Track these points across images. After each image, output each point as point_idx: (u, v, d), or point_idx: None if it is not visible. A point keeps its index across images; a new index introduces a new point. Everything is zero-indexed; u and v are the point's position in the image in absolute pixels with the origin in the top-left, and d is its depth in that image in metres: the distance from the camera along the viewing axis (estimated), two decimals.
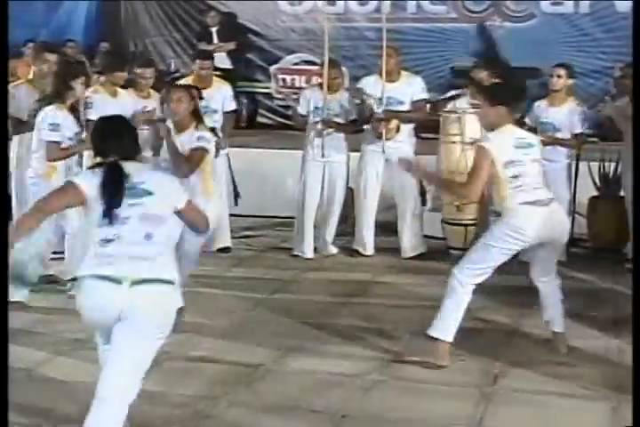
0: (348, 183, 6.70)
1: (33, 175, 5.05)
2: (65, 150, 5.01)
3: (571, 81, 6.23)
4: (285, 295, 5.44)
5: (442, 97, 6.66)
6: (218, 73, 8.84)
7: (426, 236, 6.57)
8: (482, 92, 4.55)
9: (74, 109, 5.09)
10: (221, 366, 4.15)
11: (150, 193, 3.05)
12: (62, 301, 5.26)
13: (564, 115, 6.15)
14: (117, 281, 2.92)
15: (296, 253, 6.35)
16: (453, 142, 6.34)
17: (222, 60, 9.39)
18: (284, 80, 9.70)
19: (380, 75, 6.34)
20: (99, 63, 6.25)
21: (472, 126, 6.25)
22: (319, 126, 6.27)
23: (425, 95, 6.45)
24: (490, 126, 4.26)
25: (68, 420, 3.53)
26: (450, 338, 4.12)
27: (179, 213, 3.12)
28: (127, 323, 2.93)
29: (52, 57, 5.29)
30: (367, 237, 6.50)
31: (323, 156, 6.33)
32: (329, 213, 6.50)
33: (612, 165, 6.72)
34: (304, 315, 4.99)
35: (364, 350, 4.37)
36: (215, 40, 9.54)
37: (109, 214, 2.99)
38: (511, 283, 5.26)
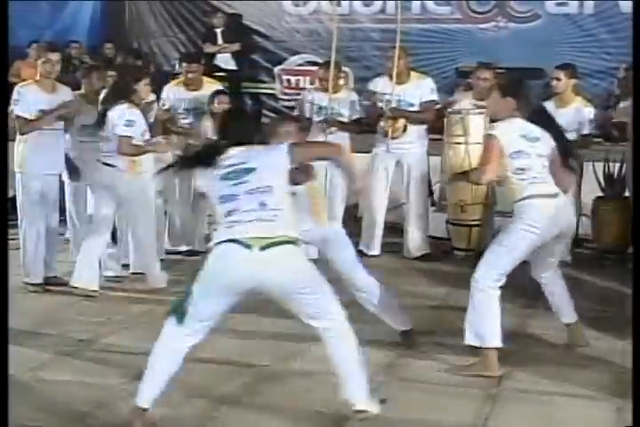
0: None
1: (124, 169, 5.34)
2: (136, 147, 5.29)
3: (573, 81, 6.21)
4: None
5: (447, 100, 6.66)
6: (222, 74, 8.95)
7: (430, 236, 6.57)
8: (495, 83, 4.61)
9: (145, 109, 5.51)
10: (224, 367, 4.15)
11: (252, 170, 3.30)
12: (66, 302, 5.29)
13: (572, 116, 6.13)
14: (247, 245, 3.17)
15: None
16: (457, 143, 6.34)
17: (227, 61, 9.41)
18: (288, 81, 9.70)
19: (390, 76, 6.36)
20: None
21: (476, 127, 6.27)
22: (323, 125, 6.28)
23: (434, 97, 6.46)
24: (496, 116, 4.28)
25: (72, 421, 3.54)
26: (497, 343, 4.03)
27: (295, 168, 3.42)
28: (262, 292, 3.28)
29: (55, 56, 5.30)
30: (375, 238, 6.50)
31: None
32: (333, 213, 6.49)
33: (617, 165, 6.72)
34: None
35: (367, 350, 4.36)
36: (220, 41, 9.54)
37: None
38: (517, 283, 5.26)
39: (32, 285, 5.49)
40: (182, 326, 3.32)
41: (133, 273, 5.80)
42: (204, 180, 3.42)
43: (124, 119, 5.25)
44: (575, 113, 6.13)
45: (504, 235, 4.14)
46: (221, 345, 4.46)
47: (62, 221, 6.01)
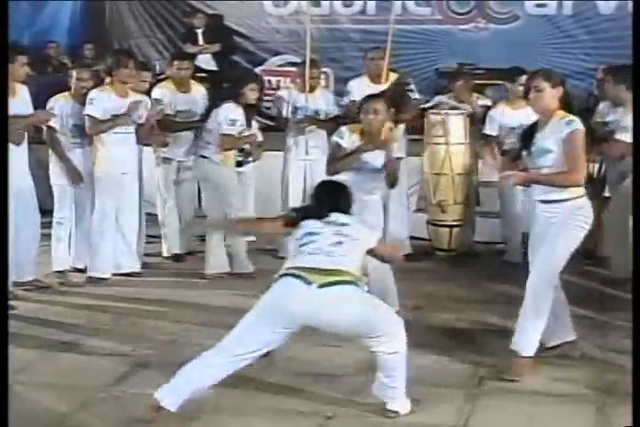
0: None
1: (217, 162, 5.81)
2: (235, 142, 5.81)
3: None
4: None
5: (428, 105, 6.67)
6: (203, 75, 8.92)
7: (411, 237, 6.59)
8: (541, 74, 4.28)
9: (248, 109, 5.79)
10: None
11: (347, 224, 3.67)
12: (48, 304, 5.26)
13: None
14: (307, 281, 3.37)
15: (281, 255, 6.33)
16: (437, 144, 6.36)
17: (207, 62, 9.39)
18: (269, 82, 9.69)
19: (369, 76, 6.38)
20: (106, 61, 6.25)
21: (456, 128, 6.29)
22: (300, 124, 6.29)
23: (415, 96, 6.47)
24: (548, 110, 4.07)
25: (52, 424, 3.52)
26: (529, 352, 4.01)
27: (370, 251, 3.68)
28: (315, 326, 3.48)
29: (22, 58, 5.26)
30: None
31: (306, 153, 6.35)
32: None
33: (596, 165, 6.76)
34: None
35: (350, 350, 4.37)
36: (200, 41, 9.52)
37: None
38: (498, 282, 5.31)
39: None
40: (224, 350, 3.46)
41: None
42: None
43: (229, 118, 5.68)
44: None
45: (563, 232, 4.03)
46: (201, 347, 4.46)
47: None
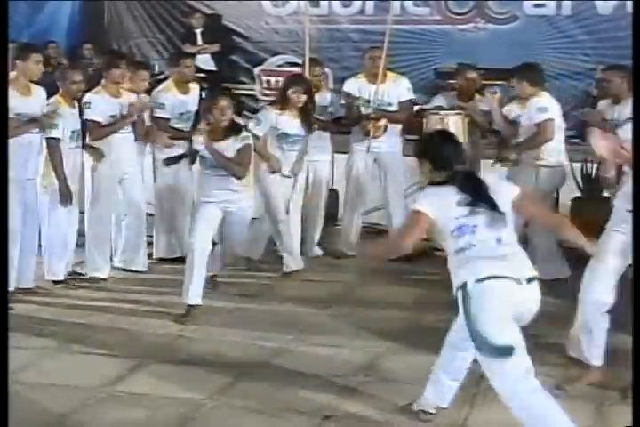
0: (332, 183, 6.73)
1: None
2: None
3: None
4: (269, 295, 5.46)
5: (427, 106, 6.67)
6: (202, 75, 8.91)
7: None
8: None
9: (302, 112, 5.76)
10: (205, 368, 4.14)
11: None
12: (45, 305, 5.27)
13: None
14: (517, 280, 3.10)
15: (281, 254, 6.34)
16: None
17: (206, 62, 9.39)
18: (268, 82, 9.69)
19: (366, 76, 6.39)
20: (97, 63, 6.22)
21: (455, 128, 6.28)
22: None
23: (411, 96, 6.48)
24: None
25: (55, 423, 3.53)
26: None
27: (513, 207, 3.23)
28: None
29: (36, 56, 5.24)
30: (353, 238, 6.51)
31: (306, 153, 6.35)
32: (314, 214, 6.51)
33: (595, 165, 6.76)
34: (287, 314, 5.00)
35: (347, 350, 4.38)
36: (199, 42, 9.52)
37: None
38: None
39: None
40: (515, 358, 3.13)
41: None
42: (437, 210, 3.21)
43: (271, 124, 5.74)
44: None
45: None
46: (206, 347, 4.47)
47: None
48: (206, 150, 4.95)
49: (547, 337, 4.37)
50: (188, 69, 6.23)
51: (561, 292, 4.88)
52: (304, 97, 5.74)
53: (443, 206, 3.19)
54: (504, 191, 3.27)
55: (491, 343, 3.10)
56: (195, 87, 6.37)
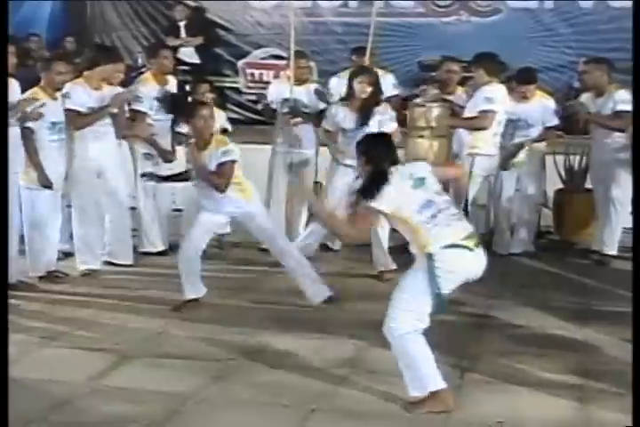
0: (316, 176, 6.72)
1: None
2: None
3: None
4: (255, 289, 5.46)
5: (411, 94, 6.70)
6: (185, 68, 8.89)
7: (393, 230, 6.59)
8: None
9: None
10: (190, 362, 4.14)
11: (423, 178, 3.64)
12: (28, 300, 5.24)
13: (535, 110, 6.20)
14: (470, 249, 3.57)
15: (265, 247, 6.33)
16: (421, 136, 6.36)
17: (190, 55, 9.35)
18: (252, 75, 9.68)
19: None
20: (85, 57, 6.15)
21: (439, 120, 6.30)
22: (287, 116, 6.28)
23: (397, 91, 6.50)
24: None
25: (33, 420, 3.52)
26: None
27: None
28: None
29: (9, 48, 5.18)
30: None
31: (291, 146, 6.34)
32: (298, 206, 6.51)
33: (577, 158, 6.80)
34: (271, 307, 5.01)
35: (333, 343, 4.40)
36: (183, 34, 9.48)
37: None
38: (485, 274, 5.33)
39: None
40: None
41: None
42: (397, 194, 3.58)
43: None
44: (539, 107, 6.22)
45: None
46: (190, 341, 4.47)
47: None
48: (188, 162, 4.98)
49: None
50: (166, 60, 6.20)
51: None
52: (369, 89, 5.56)
53: (400, 198, 3.59)
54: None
55: (445, 303, 3.56)
56: (173, 81, 6.34)
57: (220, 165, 4.79)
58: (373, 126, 5.52)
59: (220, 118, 6.67)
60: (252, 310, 5.02)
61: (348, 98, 5.66)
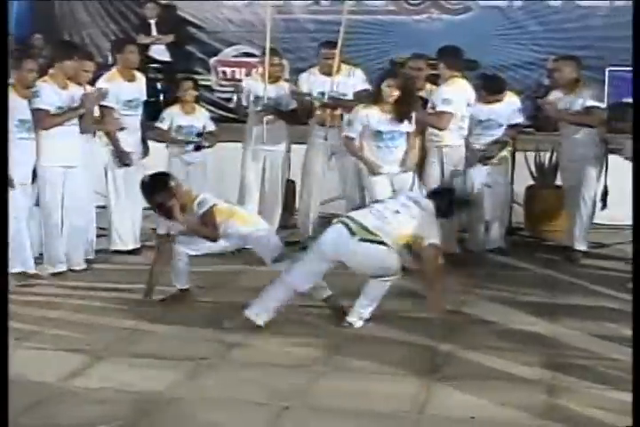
0: (289, 174, 6.73)
1: None
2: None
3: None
4: (229, 287, 5.46)
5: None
6: (156, 65, 8.86)
7: None
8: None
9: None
10: (162, 361, 4.13)
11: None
12: None
13: (504, 110, 6.24)
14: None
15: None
16: None
17: (161, 53, 9.31)
18: (223, 72, 9.65)
19: (320, 69, 6.39)
20: (48, 52, 6.08)
21: None
22: (259, 114, 6.28)
23: (367, 86, 6.49)
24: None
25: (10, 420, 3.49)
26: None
27: None
28: None
29: None
30: (310, 229, 6.52)
31: (263, 143, 6.34)
32: (271, 204, 6.51)
33: (548, 155, 6.87)
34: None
35: (306, 341, 4.40)
36: (154, 32, 9.43)
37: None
38: (460, 270, 5.38)
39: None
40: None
41: None
42: None
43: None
44: (506, 106, 6.25)
45: None
46: (163, 340, 4.45)
47: None
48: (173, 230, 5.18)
49: None
50: (132, 55, 6.17)
51: None
52: (396, 92, 5.49)
53: None
54: None
55: None
56: (142, 78, 6.32)
57: (203, 216, 4.87)
58: (406, 126, 5.61)
59: (204, 118, 6.68)
60: (225, 307, 5.00)
61: (377, 101, 5.59)
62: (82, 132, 5.75)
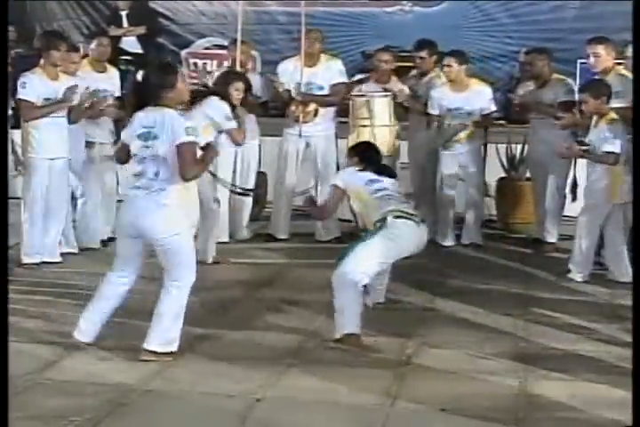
0: (260, 166, 6.72)
1: None
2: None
3: (464, 67, 6.30)
4: (200, 281, 5.44)
5: (349, 81, 6.72)
6: (128, 57, 8.78)
7: (339, 219, 6.62)
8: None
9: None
10: (134, 353, 4.11)
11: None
12: None
13: (473, 99, 6.27)
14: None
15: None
16: (363, 126, 6.39)
17: (132, 45, 9.23)
18: (195, 64, 9.60)
19: (299, 58, 6.38)
20: (35, 44, 6.06)
21: (381, 110, 6.35)
22: None
23: (343, 79, 6.50)
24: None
25: None
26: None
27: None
28: None
29: None
30: (283, 222, 6.52)
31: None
32: (244, 198, 6.50)
33: (519, 147, 6.91)
34: (217, 299, 4.99)
35: (278, 334, 4.41)
36: (125, 24, 9.34)
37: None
38: (423, 266, 5.39)
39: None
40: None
41: None
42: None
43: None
44: (476, 95, 6.28)
45: None
46: (135, 332, 4.44)
47: None
48: None
49: None
50: (102, 48, 6.19)
51: None
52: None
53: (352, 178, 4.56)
54: None
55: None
56: (113, 69, 6.31)
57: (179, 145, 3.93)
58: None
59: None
60: (195, 301, 4.98)
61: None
62: (70, 123, 5.72)
